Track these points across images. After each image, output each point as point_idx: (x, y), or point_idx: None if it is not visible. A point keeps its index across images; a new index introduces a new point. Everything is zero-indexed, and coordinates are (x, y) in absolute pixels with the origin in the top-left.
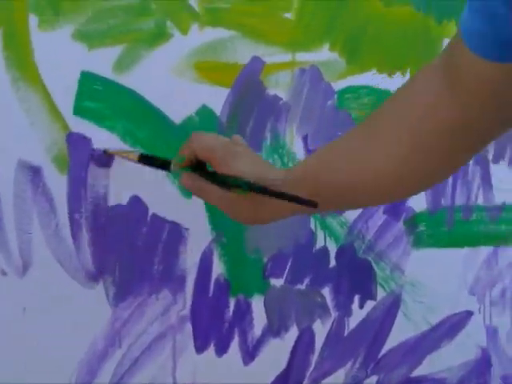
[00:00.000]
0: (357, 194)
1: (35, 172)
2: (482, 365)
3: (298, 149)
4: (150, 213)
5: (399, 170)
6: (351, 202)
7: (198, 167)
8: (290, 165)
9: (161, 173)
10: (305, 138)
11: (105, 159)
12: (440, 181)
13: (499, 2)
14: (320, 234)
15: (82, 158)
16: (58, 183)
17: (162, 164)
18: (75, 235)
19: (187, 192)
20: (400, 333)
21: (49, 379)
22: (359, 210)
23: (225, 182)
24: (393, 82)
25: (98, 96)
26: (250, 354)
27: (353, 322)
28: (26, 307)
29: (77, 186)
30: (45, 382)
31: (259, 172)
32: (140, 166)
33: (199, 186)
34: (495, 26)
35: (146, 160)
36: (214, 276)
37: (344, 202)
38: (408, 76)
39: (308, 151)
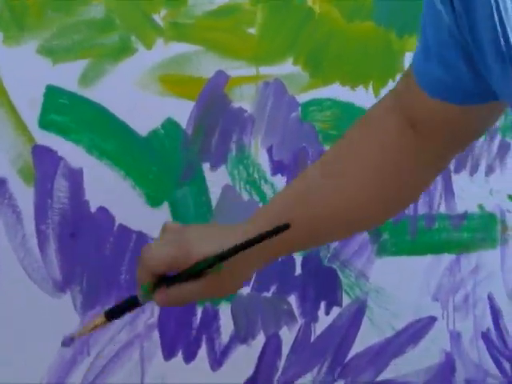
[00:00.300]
0: (331, 228)
1: (0, 184)
2: (447, 369)
3: (263, 160)
4: (117, 223)
5: (370, 198)
6: (326, 236)
7: (163, 279)
8: (256, 175)
9: (126, 184)
10: (269, 149)
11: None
12: (411, 202)
13: (455, 54)
14: None
15: (49, 170)
16: (24, 195)
17: (131, 303)
18: (42, 246)
19: (153, 201)
20: (366, 338)
21: None
22: None
23: (194, 272)
24: (356, 95)
25: (64, 109)
26: (217, 360)
27: (319, 328)
28: None
29: (43, 198)
30: None
31: (221, 240)
32: (106, 176)
33: (176, 296)
34: (454, 76)
35: (113, 313)
36: None
37: (317, 237)
38: (371, 89)
39: (273, 162)
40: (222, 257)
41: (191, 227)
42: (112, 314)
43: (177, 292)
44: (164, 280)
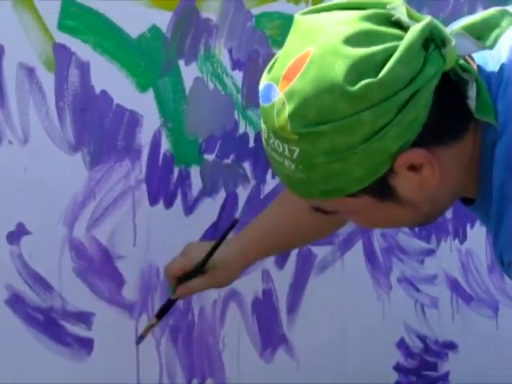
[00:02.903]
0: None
1: (30, 71)
2: None
3: (224, 58)
4: (115, 103)
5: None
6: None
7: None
8: (219, 70)
9: (121, 74)
10: (230, 50)
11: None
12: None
13: None
14: (242, 123)
15: (65, 62)
16: (47, 80)
17: (169, 303)
18: (60, 117)
19: (141, 88)
20: None
21: (43, 221)
22: None
23: (199, 268)
24: (298, 8)
25: (75, 16)
26: (189, 208)
27: (267, 189)
28: (27, 167)
29: (61, 82)
30: (40, 224)
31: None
32: (107, 67)
33: (191, 288)
34: None
35: (161, 313)
36: (162, 151)
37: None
38: (310, 3)
39: (232, 60)
40: (207, 256)
41: (195, 244)
42: (160, 314)
43: (191, 285)
44: (181, 279)
